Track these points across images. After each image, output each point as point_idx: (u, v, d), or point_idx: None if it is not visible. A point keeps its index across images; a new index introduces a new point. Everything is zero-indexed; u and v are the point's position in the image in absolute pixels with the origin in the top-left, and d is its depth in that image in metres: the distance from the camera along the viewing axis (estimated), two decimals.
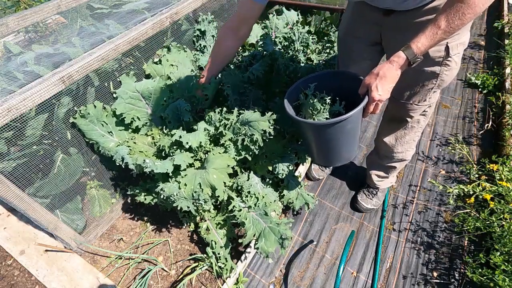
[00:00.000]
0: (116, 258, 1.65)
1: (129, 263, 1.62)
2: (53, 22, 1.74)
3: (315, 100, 1.22)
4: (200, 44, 1.94)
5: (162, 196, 1.36)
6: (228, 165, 1.38)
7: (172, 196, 1.33)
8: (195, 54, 1.89)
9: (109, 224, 1.79)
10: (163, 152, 1.46)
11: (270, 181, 1.62)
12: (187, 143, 1.33)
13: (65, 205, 1.49)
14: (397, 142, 1.54)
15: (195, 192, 1.31)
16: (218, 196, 1.33)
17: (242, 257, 1.57)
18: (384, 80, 1.01)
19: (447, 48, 1.11)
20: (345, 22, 1.41)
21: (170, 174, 1.37)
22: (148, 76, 1.68)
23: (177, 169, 1.35)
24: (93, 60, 1.30)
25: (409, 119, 1.42)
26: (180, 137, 1.34)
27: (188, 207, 1.36)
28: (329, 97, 1.23)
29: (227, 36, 1.41)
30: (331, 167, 2.07)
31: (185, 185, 1.34)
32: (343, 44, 1.46)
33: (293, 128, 1.60)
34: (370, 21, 1.24)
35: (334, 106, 1.22)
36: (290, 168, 1.58)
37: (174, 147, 1.43)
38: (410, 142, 1.53)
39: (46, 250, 1.65)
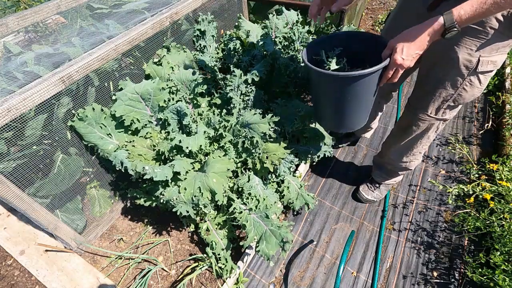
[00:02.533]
0: (116, 258, 1.65)
1: (129, 263, 1.62)
2: (53, 22, 1.74)
3: (334, 61, 1.22)
4: (200, 44, 1.94)
5: (161, 200, 1.36)
6: (228, 169, 1.38)
7: (172, 200, 1.33)
8: (195, 54, 1.89)
9: (109, 224, 1.79)
10: (163, 156, 1.45)
11: (271, 182, 1.62)
12: (187, 147, 1.33)
13: (65, 205, 1.49)
14: (404, 154, 1.56)
15: (195, 196, 1.31)
16: (218, 201, 1.33)
17: (242, 257, 1.57)
18: (411, 43, 0.92)
19: (478, 61, 1.06)
20: (389, 20, 1.40)
21: (170, 180, 1.36)
22: (148, 76, 1.68)
23: (176, 175, 1.35)
24: (93, 60, 1.30)
25: (418, 131, 1.40)
26: (180, 141, 1.33)
27: (188, 212, 1.36)
28: (345, 61, 1.22)
29: None
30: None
31: (185, 189, 1.34)
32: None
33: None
34: (413, 16, 1.15)
35: (352, 70, 1.17)
36: (291, 169, 1.58)
37: (174, 151, 1.42)
38: (416, 154, 1.55)
39: (46, 250, 1.65)
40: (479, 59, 1.06)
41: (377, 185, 1.87)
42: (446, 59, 1.12)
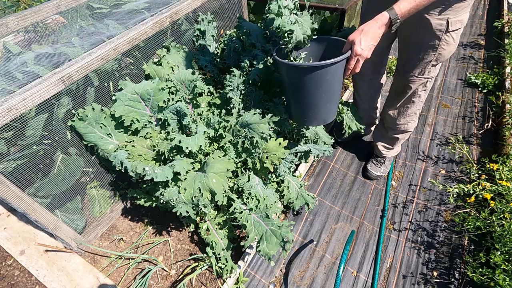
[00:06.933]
0: (116, 258, 1.65)
1: (129, 263, 1.62)
2: (52, 22, 1.74)
3: (301, 60, 1.35)
4: (200, 44, 1.94)
5: (161, 201, 1.36)
6: (228, 169, 1.37)
7: (172, 200, 1.32)
8: (195, 54, 1.89)
9: (109, 224, 1.79)
10: (163, 156, 1.45)
11: (271, 182, 1.62)
12: (187, 148, 1.33)
13: (65, 205, 1.49)
14: (400, 115, 1.73)
15: (195, 196, 1.31)
16: (218, 201, 1.33)
17: (243, 257, 1.57)
18: (367, 35, 1.08)
19: (447, 23, 1.24)
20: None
21: (170, 181, 1.36)
22: (148, 76, 1.68)
23: (176, 175, 1.35)
24: (93, 60, 1.30)
25: (410, 91, 1.56)
26: (180, 141, 1.33)
27: (188, 212, 1.35)
28: (312, 61, 1.35)
29: None
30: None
31: (185, 189, 1.34)
32: (363, 19, 1.58)
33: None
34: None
35: None
36: (291, 169, 1.58)
37: (174, 151, 1.42)
38: (411, 115, 1.71)
39: (46, 250, 1.65)
40: (448, 21, 1.24)
41: (382, 161, 2.02)
42: (421, 27, 1.30)
